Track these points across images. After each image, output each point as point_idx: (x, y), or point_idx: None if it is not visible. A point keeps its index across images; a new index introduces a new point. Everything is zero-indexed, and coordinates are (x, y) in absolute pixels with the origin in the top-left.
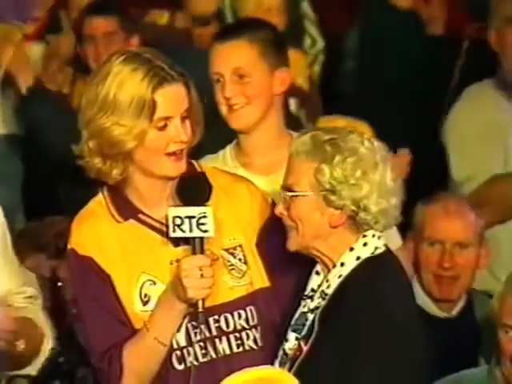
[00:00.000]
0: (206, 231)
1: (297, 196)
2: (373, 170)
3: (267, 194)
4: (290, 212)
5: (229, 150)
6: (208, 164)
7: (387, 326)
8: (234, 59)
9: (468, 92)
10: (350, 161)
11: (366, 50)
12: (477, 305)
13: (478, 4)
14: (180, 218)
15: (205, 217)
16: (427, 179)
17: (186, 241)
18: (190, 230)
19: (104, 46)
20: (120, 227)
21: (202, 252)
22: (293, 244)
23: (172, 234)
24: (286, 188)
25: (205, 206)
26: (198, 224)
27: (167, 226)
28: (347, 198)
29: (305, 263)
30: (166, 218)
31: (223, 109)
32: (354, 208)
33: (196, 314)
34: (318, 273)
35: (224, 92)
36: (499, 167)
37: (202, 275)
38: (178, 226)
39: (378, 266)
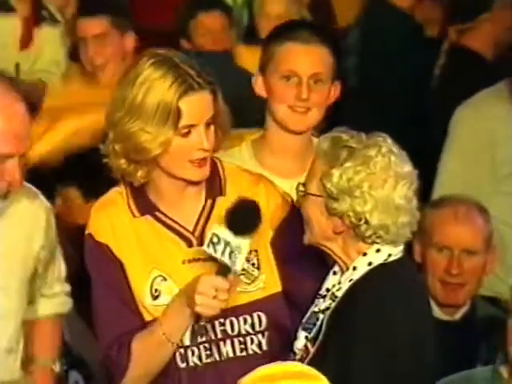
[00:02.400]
0: (234, 264)
1: (306, 195)
2: (382, 185)
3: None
4: (301, 208)
5: (246, 148)
6: (224, 160)
7: (387, 338)
8: (316, 64)
9: (480, 96)
10: (359, 171)
11: (367, 49)
12: (479, 310)
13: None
14: (218, 237)
15: (239, 252)
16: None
17: (201, 242)
18: (222, 254)
19: (97, 48)
20: (136, 221)
21: (226, 277)
22: (306, 238)
23: (205, 248)
24: (303, 184)
25: (247, 238)
26: (231, 253)
27: (187, 230)
28: (349, 209)
29: (322, 264)
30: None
31: (284, 108)
32: (354, 220)
33: (198, 324)
34: (335, 273)
35: (301, 93)
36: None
37: (215, 297)
38: (214, 243)
39: (388, 274)
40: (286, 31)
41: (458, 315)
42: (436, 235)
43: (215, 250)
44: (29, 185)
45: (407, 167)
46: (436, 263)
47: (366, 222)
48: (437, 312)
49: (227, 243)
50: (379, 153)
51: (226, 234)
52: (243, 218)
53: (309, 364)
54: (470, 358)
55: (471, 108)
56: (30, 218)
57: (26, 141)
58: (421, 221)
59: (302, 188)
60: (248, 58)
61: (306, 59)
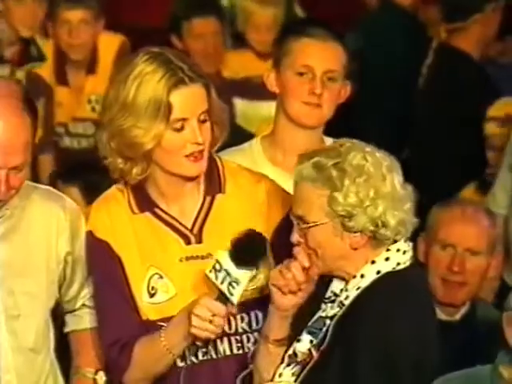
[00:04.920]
0: (231, 295)
1: (312, 226)
2: (383, 184)
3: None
4: (307, 241)
5: (256, 144)
6: (233, 156)
7: (392, 347)
8: (331, 61)
9: None
10: (360, 182)
11: (368, 48)
12: (479, 311)
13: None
14: (221, 265)
15: (238, 284)
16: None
17: (199, 240)
18: (222, 283)
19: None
20: (135, 218)
21: (225, 304)
22: (315, 271)
23: (207, 273)
24: (299, 218)
25: (249, 271)
26: (230, 283)
27: (185, 227)
28: (365, 220)
29: None
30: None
31: (297, 104)
32: (372, 228)
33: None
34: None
35: (314, 88)
36: None
37: (211, 321)
38: (216, 270)
39: (396, 283)
40: (302, 28)
41: (458, 315)
42: (441, 232)
43: (216, 277)
44: (52, 188)
45: (387, 157)
46: (438, 260)
47: (384, 224)
48: (436, 312)
49: (228, 273)
50: (366, 154)
51: (227, 263)
52: (247, 251)
53: (311, 369)
54: (470, 359)
55: None
56: (50, 220)
57: (17, 154)
58: (427, 220)
59: (302, 225)
60: (235, 62)
61: (322, 55)
